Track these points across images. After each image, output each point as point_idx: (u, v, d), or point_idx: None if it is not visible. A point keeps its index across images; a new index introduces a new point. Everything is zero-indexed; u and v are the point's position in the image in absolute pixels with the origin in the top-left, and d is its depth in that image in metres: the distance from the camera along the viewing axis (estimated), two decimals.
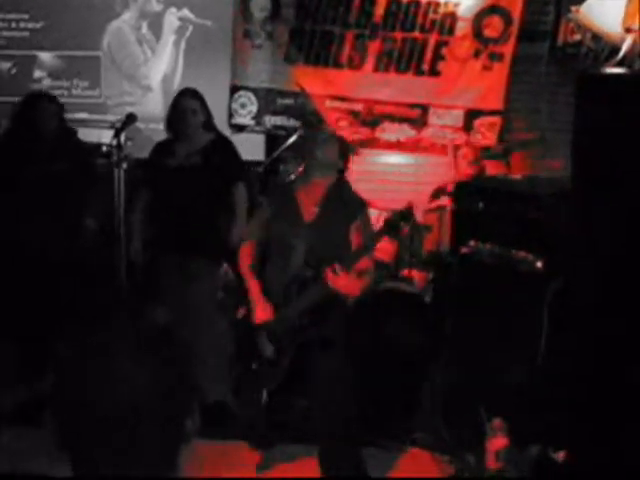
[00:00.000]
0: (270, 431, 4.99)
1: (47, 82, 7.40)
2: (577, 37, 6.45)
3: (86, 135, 6.95)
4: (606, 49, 6.10)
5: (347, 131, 6.95)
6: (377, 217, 6.00)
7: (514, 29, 6.67)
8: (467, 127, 6.85)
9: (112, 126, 6.52)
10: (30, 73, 7.39)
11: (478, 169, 6.70)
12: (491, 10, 6.70)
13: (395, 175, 7.11)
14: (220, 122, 7.13)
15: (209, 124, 5.76)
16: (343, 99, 7.01)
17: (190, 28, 7.30)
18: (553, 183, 5.63)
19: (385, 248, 5.99)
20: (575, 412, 4.47)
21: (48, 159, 5.82)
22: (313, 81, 7.00)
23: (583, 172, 4.60)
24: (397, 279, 6.10)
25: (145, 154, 5.95)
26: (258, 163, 6.82)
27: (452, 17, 6.76)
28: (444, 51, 6.82)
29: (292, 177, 6.18)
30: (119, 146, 5.97)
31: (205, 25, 7.29)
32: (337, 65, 6.97)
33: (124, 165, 5.96)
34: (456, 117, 6.88)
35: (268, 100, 7.16)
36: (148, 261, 5.90)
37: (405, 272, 6.23)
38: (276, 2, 7.00)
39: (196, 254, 5.62)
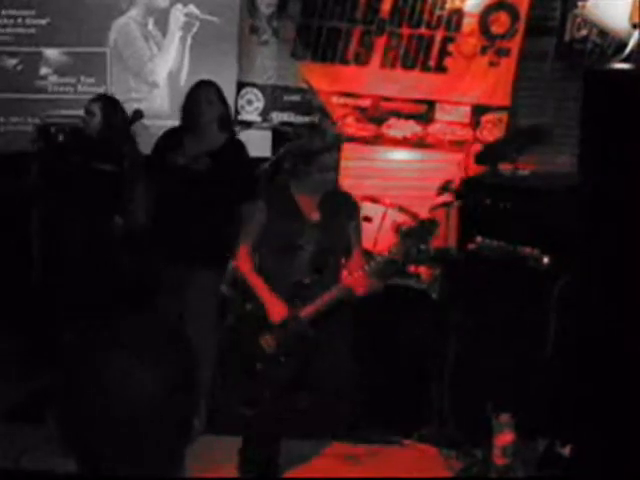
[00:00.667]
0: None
1: (53, 79, 7.39)
2: (584, 33, 6.43)
3: None
4: (613, 45, 6.10)
5: (354, 127, 6.95)
6: (383, 214, 6.01)
7: (521, 25, 6.65)
8: (474, 123, 6.83)
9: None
10: (36, 70, 7.38)
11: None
12: (498, 6, 6.68)
13: (401, 171, 7.10)
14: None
15: (224, 122, 5.61)
16: (349, 95, 7.00)
17: (196, 24, 7.30)
18: (560, 179, 5.62)
19: (391, 244, 5.98)
20: (581, 407, 4.47)
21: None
22: (320, 77, 6.99)
23: (590, 167, 4.59)
24: (404, 275, 6.08)
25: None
26: (265, 160, 6.82)
27: (459, 13, 6.74)
28: (451, 47, 6.81)
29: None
30: (133, 139, 5.99)
31: (211, 21, 7.28)
32: (344, 61, 6.95)
33: None
34: (463, 113, 6.86)
35: (275, 96, 7.15)
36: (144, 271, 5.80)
37: (412, 268, 6.22)
38: None
39: (196, 266, 5.44)
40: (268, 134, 7.31)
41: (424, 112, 6.93)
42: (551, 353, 4.78)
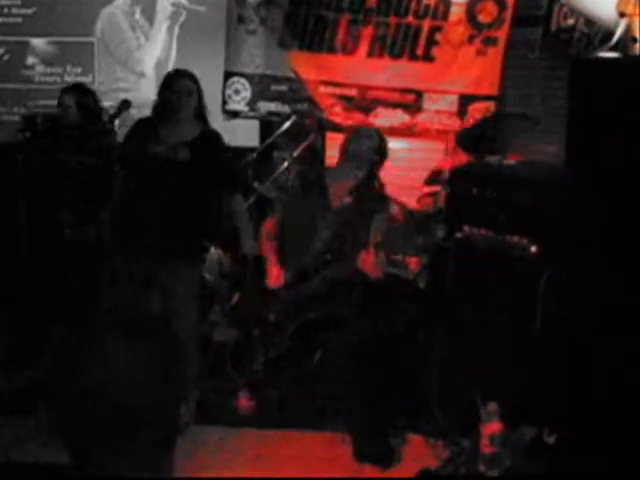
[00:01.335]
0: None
1: (40, 68, 7.38)
2: (571, 22, 6.44)
3: None
4: (600, 33, 6.10)
5: (341, 116, 6.95)
6: None
7: (508, 14, 6.65)
8: (461, 112, 6.84)
9: (106, 112, 6.50)
10: (23, 59, 7.37)
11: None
12: None
13: (389, 160, 7.10)
14: (214, 108, 7.14)
15: (201, 112, 5.48)
16: (337, 84, 6.99)
17: (183, 14, 7.29)
18: (547, 168, 5.63)
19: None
20: (569, 396, 4.49)
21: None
22: (307, 66, 6.98)
23: (577, 156, 4.61)
24: (391, 264, 6.09)
25: None
26: (252, 149, 6.81)
27: (446, 2, 6.73)
28: (438, 36, 6.80)
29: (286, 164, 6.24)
30: (113, 132, 5.96)
31: (199, 11, 7.27)
32: (331, 50, 6.94)
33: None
34: (450, 102, 6.86)
35: (262, 86, 7.14)
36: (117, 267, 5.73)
37: (399, 257, 6.22)
38: None
39: (176, 256, 5.35)
40: (255, 123, 7.31)
41: (411, 101, 6.93)
42: (539, 342, 4.79)
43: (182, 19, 7.31)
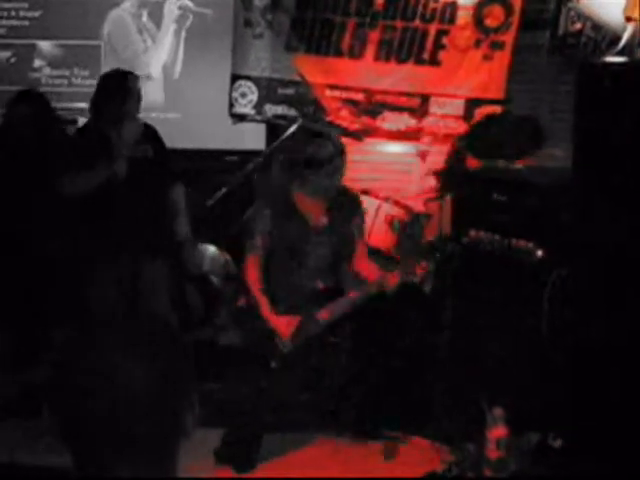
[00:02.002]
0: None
1: (47, 71, 7.38)
2: (578, 26, 6.43)
3: None
4: (607, 38, 6.10)
5: (347, 120, 6.94)
6: (377, 207, 6.01)
7: (515, 18, 6.64)
8: (468, 116, 6.83)
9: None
10: (30, 62, 7.37)
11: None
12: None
13: (395, 164, 7.10)
14: (221, 111, 7.15)
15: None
16: (343, 88, 6.99)
17: (190, 17, 7.28)
18: (554, 172, 5.62)
19: (385, 237, 5.98)
20: (575, 400, 4.48)
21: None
22: (314, 70, 6.98)
23: (584, 161, 4.60)
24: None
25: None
26: (258, 152, 6.81)
27: (453, 6, 6.73)
28: (445, 40, 6.79)
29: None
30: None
31: (205, 14, 7.27)
32: (338, 54, 6.94)
33: None
34: (457, 106, 6.85)
35: (269, 89, 7.14)
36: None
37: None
38: None
39: (146, 253, 5.49)
40: (262, 127, 7.30)
41: (418, 105, 6.92)
42: (545, 345, 4.78)
43: (189, 23, 7.30)
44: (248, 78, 7.13)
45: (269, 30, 7.03)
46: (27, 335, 5.70)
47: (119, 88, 5.56)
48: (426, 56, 6.82)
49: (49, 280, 5.72)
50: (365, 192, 6.08)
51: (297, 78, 6.98)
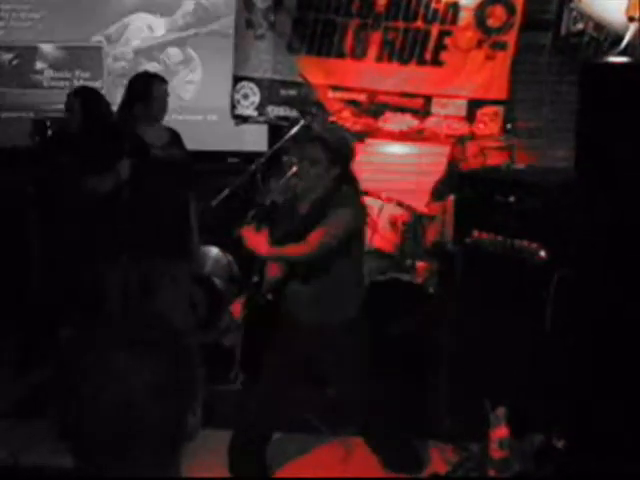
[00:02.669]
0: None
1: (49, 73, 7.39)
2: (580, 26, 6.43)
3: None
4: (609, 38, 6.10)
5: (349, 121, 6.94)
6: (379, 208, 6.00)
7: (517, 18, 6.64)
8: (470, 117, 6.83)
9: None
10: (32, 64, 7.38)
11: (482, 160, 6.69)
12: (494, 0, 6.67)
13: (398, 165, 7.10)
14: (223, 113, 7.16)
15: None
16: (346, 89, 6.99)
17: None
18: (557, 173, 5.62)
19: (388, 239, 5.98)
20: (578, 400, 4.47)
21: None
22: (316, 71, 6.98)
23: (587, 161, 4.59)
24: (400, 269, 6.09)
25: None
26: (261, 154, 6.81)
27: (454, 7, 6.73)
28: (447, 41, 6.80)
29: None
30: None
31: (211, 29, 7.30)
32: (340, 55, 6.95)
33: None
34: (459, 107, 6.86)
35: (271, 90, 7.15)
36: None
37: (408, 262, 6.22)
38: None
39: (163, 258, 5.47)
40: (264, 128, 7.31)
41: (420, 106, 6.92)
42: (549, 346, 4.78)
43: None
44: (250, 79, 7.13)
45: (271, 31, 7.04)
46: (34, 336, 5.72)
47: (144, 90, 5.52)
48: (428, 57, 6.83)
49: (55, 280, 5.74)
50: (368, 193, 6.08)
51: (299, 79, 6.99)
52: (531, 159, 6.44)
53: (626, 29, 5.57)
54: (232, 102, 7.14)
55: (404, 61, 6.88)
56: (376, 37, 6.88)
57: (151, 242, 5.41)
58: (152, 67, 7.32)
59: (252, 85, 7.14)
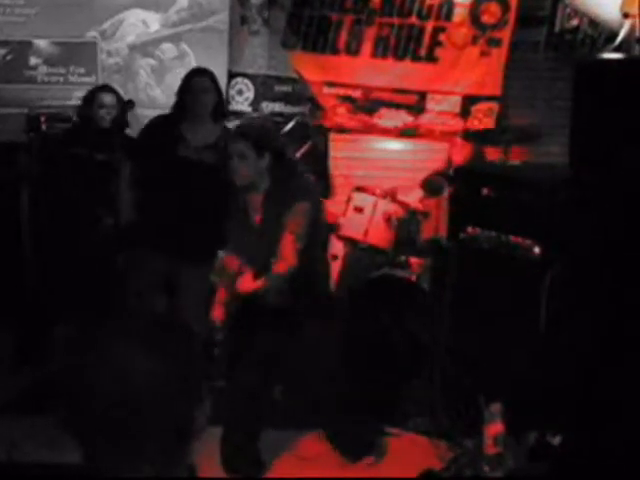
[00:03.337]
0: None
1: (43, 69, 7.37)
2: (575, 23, 6.44)
3: None
4: (604, 35, 6.10)
5: (344, 117, 6.94)
6: (373, 204, 6.00)
7: (512, 15, 6.65)
8: (464, 113, 6.83)
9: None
10: (26, 60, 7.36)
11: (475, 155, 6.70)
12: None
13: (392, 161, 7.10)
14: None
15: (218, 111, 5.51)
16: (340, 85, 6.99)
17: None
18: (551, 169, 5.62)
19: (382, 235, 5.98)
20: (573, 398, 4.48)
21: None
22: (310, 67, 6.98)
23: (581, 158, 4.59)
24: (394, 265, 6.09)
25: None
26: None
27: (449, 3, 6.74)
28: (442, 37, 6.80)
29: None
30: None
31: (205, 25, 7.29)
32: (334, 51, 6.95)
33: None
34: (454, 103, 6.86)
35: (265, 87, 7.15)
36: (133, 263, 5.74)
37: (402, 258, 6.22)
38: None
39: (192, 258, 5.35)
40: None
41: (415, 102, 6.92)
42: (542, 343, 4.78)
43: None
44: (245, 75, 7.13)
45: (265, 27, 7.04)
46: (28, 334, 5.71)
47: (183, 87, 5.49)
48: (423, 53, 6.83)
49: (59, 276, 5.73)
50: (362, 189, 6.08)
51: (294, 75, 6.99)
52: (525, 155, 6.44)
53: (621, 25, 5.56)
54: (227, 98, 7.13)
55: (399, 57, 6.88)
56: (370, 33, 6.88)
57: (179, 241, 5.38)
58: (147, 63, 7.32)
59: (247, 81, 7.14)
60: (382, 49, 6.89)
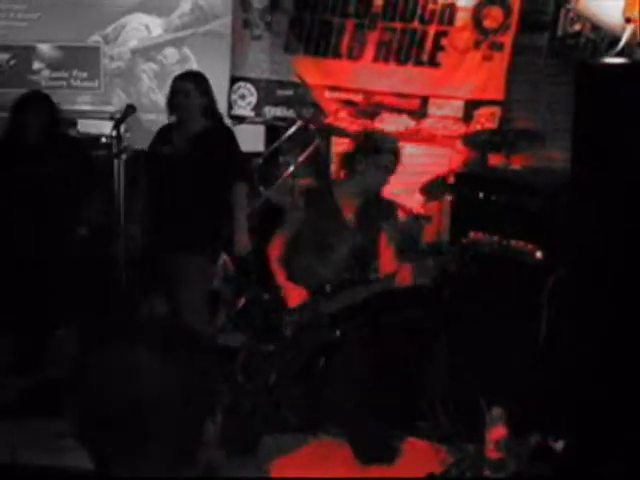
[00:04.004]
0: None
1: (46, 73, 7.39)
2: (577, 27, 6.44)
3: (85, 126, 6.97)
4: (606, 39, 6.10)
5: (346, 121, 6.94)
6: None
7: (514, 19, 6.65)
8: (467, 118, 6.83)
9: (112, 117, 6.51)
10: (29, 64, 7.38)
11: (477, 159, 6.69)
12: (491, 0, 6.67)
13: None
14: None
15: (209, 110, 5.57)
16: (342, 90, 6.99)
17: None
18: (553, 174, 5.63)
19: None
20: (575, 401, 4.48)
21: (39, 160, 5.68)
22: (312, 71, 6.98)
23: (583, 162, 4.60)
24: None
25: (144, 145, 5.91)
26: (258, 154, 6.81)
27: (452, 7, 6.73)
28: (444, 42, 6.79)
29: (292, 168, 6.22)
30: (119, 137, 5.96)
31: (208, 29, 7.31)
32: (336, 55, 6.94)
33: (124, 156, 5.95)
34: (456, 108, 6.85)
35: (268, 91, 7.14)
36: (144, 256, 5.84)
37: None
38: None
39: (189, 250, 5.43)
40: (261, 129, 7.31)
41: (417, 106, 6.92)
42: (544, 347, 4.79)
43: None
44: (247, 80, 7.13)
45: (268, 31, 7.04)
46: (31, 337, 5.70)
47: (169, 92, 5.63)
48: (425, 57, 6.83)
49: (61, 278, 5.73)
50: None
51: (296, 79, 6.99)
52: (527, 160, 6.44)
53: (623, 30, 5.57)
54: (229, 102, 7.14)
55: (401, 62, 6.88)
56: (373, 37, 6.88)
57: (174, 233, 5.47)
58: (149, 67, 7.33)
59: (249, 85, 7.14)
60: (384, 53, 6.89)
